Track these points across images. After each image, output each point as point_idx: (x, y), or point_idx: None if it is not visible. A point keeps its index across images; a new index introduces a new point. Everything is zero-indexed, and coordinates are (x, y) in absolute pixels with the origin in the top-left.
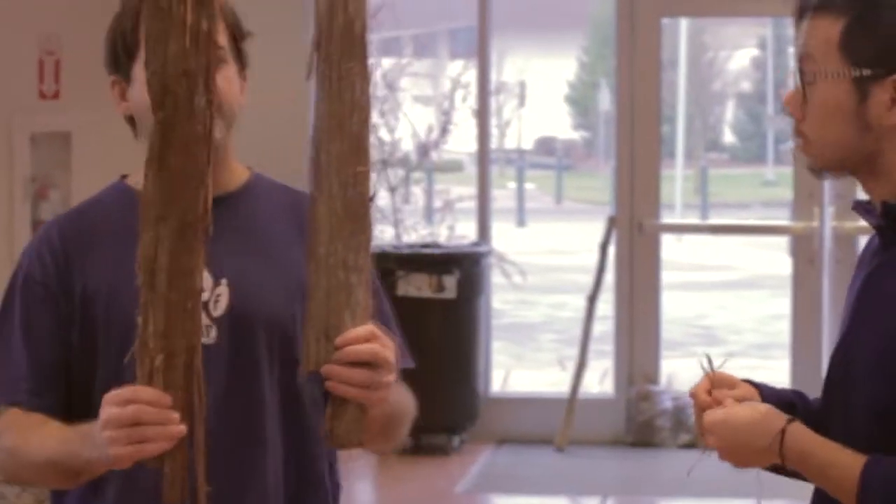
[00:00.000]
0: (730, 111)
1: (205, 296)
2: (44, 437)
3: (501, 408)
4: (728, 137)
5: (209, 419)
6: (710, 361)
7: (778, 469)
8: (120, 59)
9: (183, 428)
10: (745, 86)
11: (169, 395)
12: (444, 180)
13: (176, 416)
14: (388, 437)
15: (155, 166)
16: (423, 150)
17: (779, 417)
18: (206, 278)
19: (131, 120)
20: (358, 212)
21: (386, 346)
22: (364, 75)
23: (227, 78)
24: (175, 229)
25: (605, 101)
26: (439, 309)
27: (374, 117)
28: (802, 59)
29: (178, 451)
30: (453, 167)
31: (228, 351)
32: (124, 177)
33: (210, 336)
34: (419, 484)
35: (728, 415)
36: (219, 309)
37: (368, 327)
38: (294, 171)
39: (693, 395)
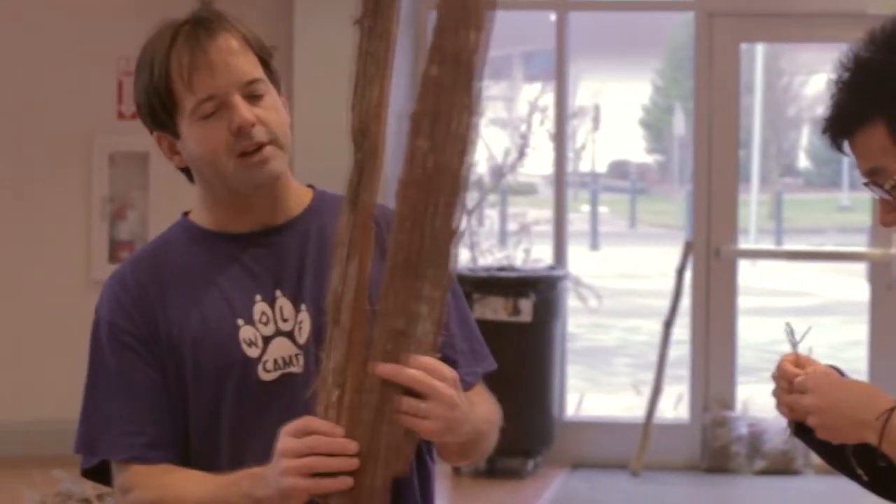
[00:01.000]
0: (805, 136)
1: (288, 325)
2: (191, 484)
3: (576, 432)
4: (803, 162)
5: None
6: (792, 332)
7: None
8: (161, 116)
9: (356, 462)
10: (821, 111)
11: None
12: (517, 203)
13: (352, 445)
14: (469, 455)
15: (349, 206)
16: (499, 172)
17: (888, 397)
18: (288, 306)
19: (187, 170)
20: (440, 243)
21: (442, 377)
22: (468, 108)
23: (270, 108)
24: (362, 265)
25: (679, 125)
26: (515, 332)
27: None
28: (871, 175)
29: (353, 491)
30: (527, 190)
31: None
32: (187, 213)
33: (299, 364)
34: None
35: (836, 378)
36: (303, 336)
37: (427, 359)
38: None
39: (780, 364)
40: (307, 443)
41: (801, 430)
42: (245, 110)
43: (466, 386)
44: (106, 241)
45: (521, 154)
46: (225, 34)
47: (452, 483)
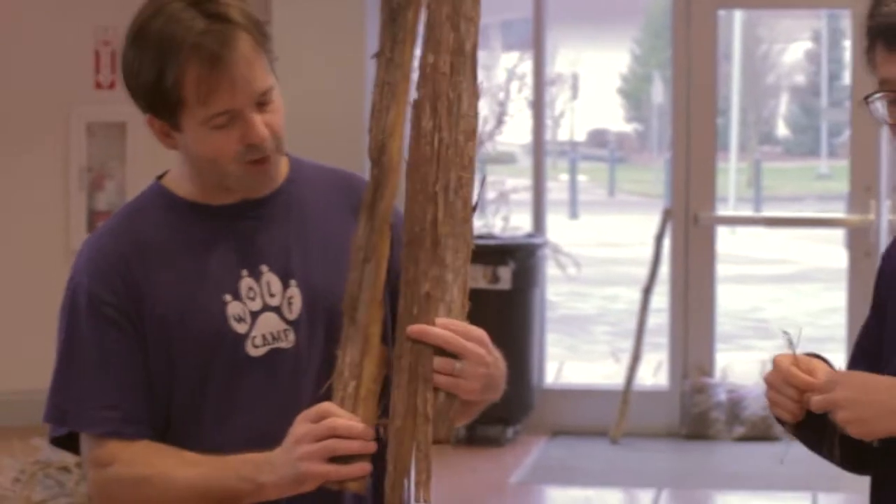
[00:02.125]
0: (783, 104)
1: (276, 300)
2: (181, 464)
3: (555, 399)
4: (782, 130)
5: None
6: (790, 341)
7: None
8: (161, 112)
9: (374, 445)
10: (799, 79)
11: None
12: (495, 171)
13: (370, 430)
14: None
15: (366, 214)
16: (477, 140)
17: None
18: (275, 281)
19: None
20: (456, 215)
21: (473, 338)
22: (472, 92)
23: (276, 110)
24: (378, 267)
25: (657, 93)
26: (494, 300)
27: None
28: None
29: (401, 452)
30: (506, 159)
31: (308, 352)
32: (160, 177)
33: (288, 340)
34: (473, 475)
35: (863, 373)
36: (293, 312)
37: (453, 320)
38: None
39: (778, 364)
40: (327, 425)
41: (798, 428)
42: (260, 127)
43: None
44: (84, 212)
45: (500, 122)
46: (241, 35)
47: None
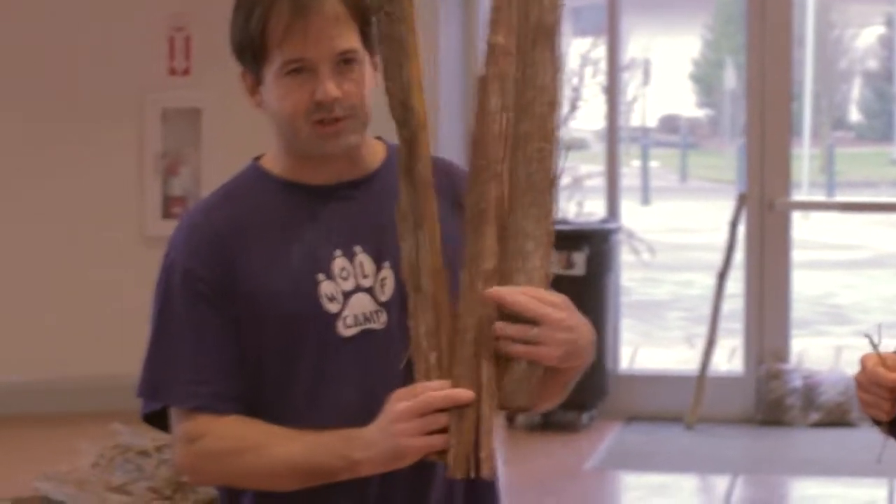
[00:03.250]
0: (856, 89)
1: (369, 281)
2: (274, 439)
3: (630, 385)
4: (854, 116)
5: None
6: (873, 342)
7: None
8: (249, 60)
9: (471, 394)
10: (872, 64)
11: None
12: (569, 158)
13: (466, 394)
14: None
15: (405, 179)
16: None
17: None
18: (368, 262)
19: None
20: (538, 185)
21: (551, 303)
22: (554, 64)
23: (356, 80)
24: (432, 231)
25: (729, 78)
26: (568, 285)
27: None
28: None
29: (464, 426)
30: (578, 145)
31: (400, 334)
32: (257, 158)
33: (380, 321)
34: (548, 460)
35: None
36: (386, 293)
37: (531, 287)
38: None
39: (864, 365)
40: (425, 399)
41: (892, 426)
42: (330, 85)
43: None
44: (159, 198)
45: (573, 108)
46: None
47: (507, 436)
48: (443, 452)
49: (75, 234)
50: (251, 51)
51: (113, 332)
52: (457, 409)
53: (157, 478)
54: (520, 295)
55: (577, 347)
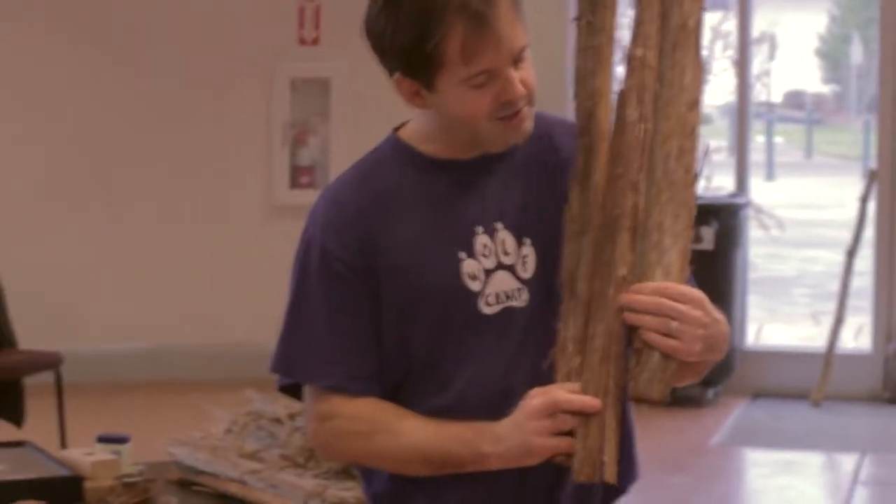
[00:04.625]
0: None
1: (510, 258)
2: (407, 425)
3: (757, 361)
4: None
5: (529, 377)
6: None
7: None
8: (417, 72)
9: (599, 404)
10: None
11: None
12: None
13: (597, 402)
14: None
15: (579, 186)
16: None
17: None
18: (510, 239)
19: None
20: (677, 182)
21: (689, 299)
22: (695, 65)
23: (527, 67)
24: (594, 240)
25: (856, 54)
26: (696, 259)
27: None
28: None
29: (590, 431)
30: (704, 120)
31: (541, 311)
32: (397, 129)
33: (521, 299)
34: (674, 436)
35: None
36: (527, 270)
37: (668, 283)
38: None
39: None
40: (561, 399)
41: None
42: (517, 84)
43: None
44: (287, 167)
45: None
46: None
47: (633, 411)
48: (570, 455)
49: (205, 203)
50: (424, 63)
51: (240, 301)
52: (584, 414)
53: (289, 445)
54: (654, 298)
55: (714, 342)
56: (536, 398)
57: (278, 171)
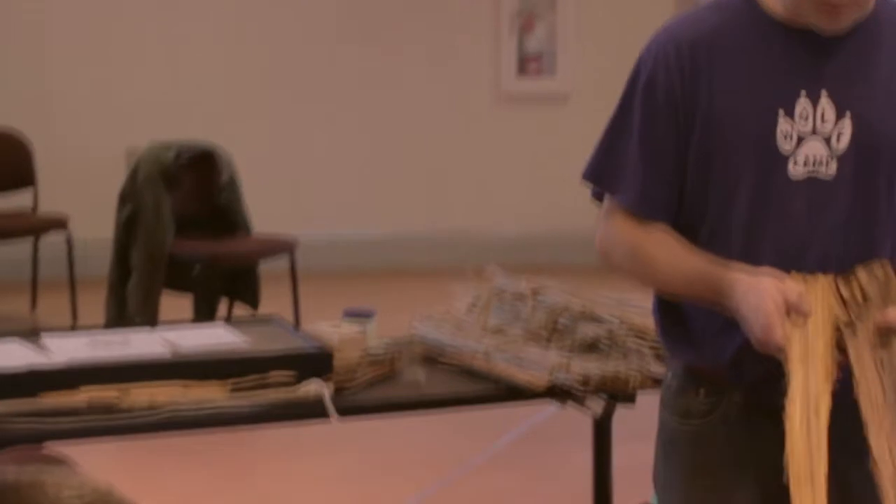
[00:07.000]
0: None
1: (827, 127)
2: (669, 252)
3: None
4: None
5: (831, 244)
6: None
7: None
8: None
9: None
10: None
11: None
12: None
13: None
14: None
15: None
16: None
17: None
18: (830, 110)
19: None
20: None
21: None
22: None
23: None
24: None
25: None
26: None
27: None
28: None
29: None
30: None
31: (850, 183)
32: None
33: (829, 170)
34: None
35: None
36: (841, 143)
37: None
38: None
39: None
40: (793, 302)
41: None
42: None
43: None
44: (514, 55)
45: None
46: None
47: None
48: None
49: (433, 92)
50: None
51: (465, 188)
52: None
53: (532, 321)
54: None
55: None
56: (785, 294)
57: (506, 59)
